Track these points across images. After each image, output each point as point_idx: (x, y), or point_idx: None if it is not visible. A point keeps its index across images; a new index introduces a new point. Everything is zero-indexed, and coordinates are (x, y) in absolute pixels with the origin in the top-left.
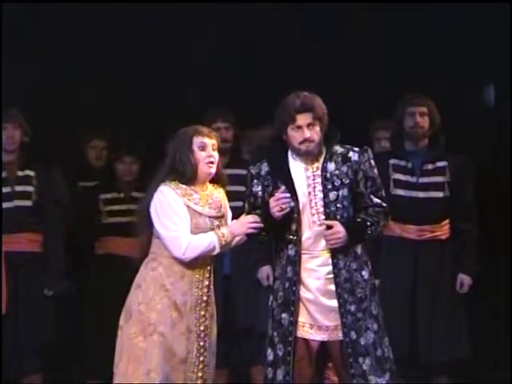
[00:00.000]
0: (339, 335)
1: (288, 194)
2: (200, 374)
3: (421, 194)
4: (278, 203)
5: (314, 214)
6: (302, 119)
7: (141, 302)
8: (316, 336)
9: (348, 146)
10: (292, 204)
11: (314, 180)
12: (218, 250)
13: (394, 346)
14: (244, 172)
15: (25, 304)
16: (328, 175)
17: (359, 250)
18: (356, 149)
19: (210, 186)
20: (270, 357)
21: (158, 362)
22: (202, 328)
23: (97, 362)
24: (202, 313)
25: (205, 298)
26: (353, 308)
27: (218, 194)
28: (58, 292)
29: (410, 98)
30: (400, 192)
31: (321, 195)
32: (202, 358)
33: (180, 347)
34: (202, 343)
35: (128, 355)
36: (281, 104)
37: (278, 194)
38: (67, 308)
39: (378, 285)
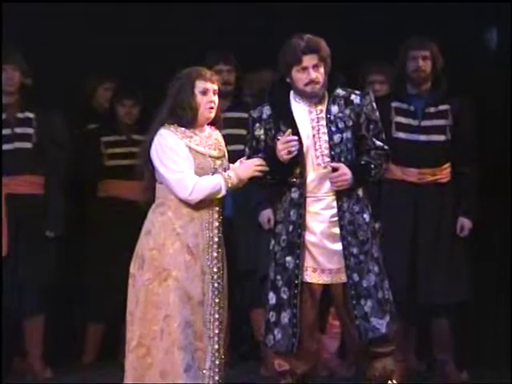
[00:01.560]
0: (342, 278)
1: (295, 137)
2: (216, 316)
3: (422, 137)
4: (285, 146)
5: (318, 157)
6: (308, 60)
7: (152, 247)
8: (319, 279)
9: (349, 89)
10: (298, 147)
11: (318, 122)
12: (224, 193)
13: (394, 288)
14: (245, 115)
15: (26, 246)
16: (332, 118)
17: (361, 192)
18: (358, 92)
19: (207, 128)
20: (273, 300)
21: (175, 306)
22: (215, 269)
23: (98, 304)
24: (215, 254)
25: (216, 240)
26: (355, 250)
27: (216, 135)
28: (59, 233)
29: (413, 41)
30: (401, 135)
31: (325, 138)
32: (217, 300)
33: (196, 290)
34: (216, 284)
35: (145, 302)
36: (285, 46)
37: (285, 137)
38: (69, 250)
39: (378, 228)
